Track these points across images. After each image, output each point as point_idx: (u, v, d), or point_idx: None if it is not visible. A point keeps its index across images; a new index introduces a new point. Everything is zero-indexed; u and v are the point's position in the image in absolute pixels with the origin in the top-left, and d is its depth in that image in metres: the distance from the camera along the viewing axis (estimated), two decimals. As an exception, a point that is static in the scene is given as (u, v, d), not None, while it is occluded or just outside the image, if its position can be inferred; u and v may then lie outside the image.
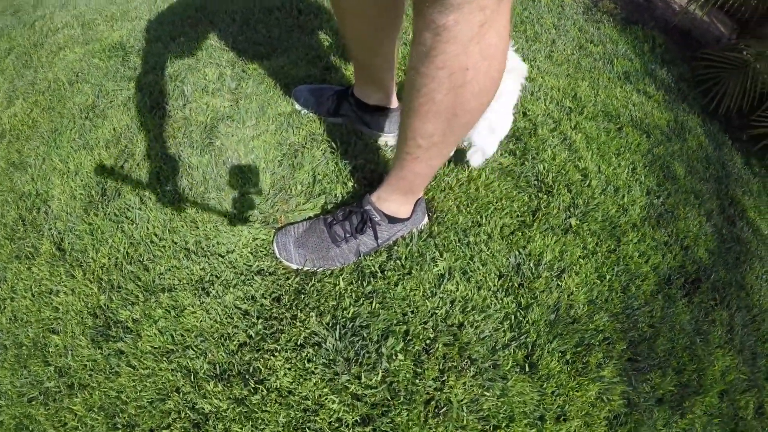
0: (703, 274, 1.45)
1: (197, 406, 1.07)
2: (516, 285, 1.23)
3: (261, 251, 1.27)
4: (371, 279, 1.19)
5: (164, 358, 1.14)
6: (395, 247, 1.25)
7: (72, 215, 1.41)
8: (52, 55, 2.04)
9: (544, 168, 1.47)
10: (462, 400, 1.06)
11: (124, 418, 1.08)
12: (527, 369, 1.12)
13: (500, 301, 1.19)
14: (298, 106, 1.57)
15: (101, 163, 1.52)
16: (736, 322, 1.41)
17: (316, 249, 1.21)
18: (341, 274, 1.21)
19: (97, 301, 1.24)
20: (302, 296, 1.18)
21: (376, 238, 1.20)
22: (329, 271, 1.22)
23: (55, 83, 1.86)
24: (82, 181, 1.48)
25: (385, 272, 1.20)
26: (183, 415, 1.06)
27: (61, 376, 1.16)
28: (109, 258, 1.30)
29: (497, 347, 1.13)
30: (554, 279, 1.26)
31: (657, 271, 1.39)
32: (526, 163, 1.48)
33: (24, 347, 1.22)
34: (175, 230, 1.32)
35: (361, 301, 1.16)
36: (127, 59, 1.89)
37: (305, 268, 1.22)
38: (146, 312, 1.20)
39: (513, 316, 1.18)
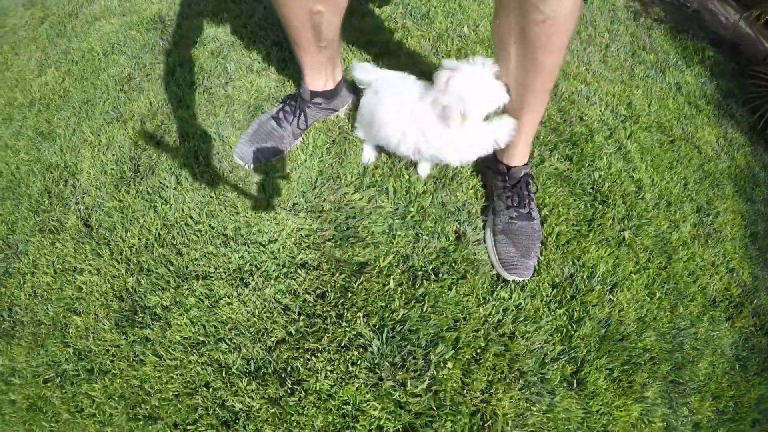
0: (746, 298, 1.21)
1: (227, 404, 0.88)
2: (568, 297, 1.02)
3: (305, 242, 1.06)
4: (423, 281, 0.99)
5: (194, 350, 0.94)
6: (450, 251, 1.05)
7: (101, 191, 1.19)
8: (87, 26, 1.76)
9: (599, 177, 1.23)
10: (508, 414, 0.87)
11: (146, 409, 0.90)
12: (575, 385, 0.93)
13: (552, 313, 0.99)
14: (248, 166, 1.18)
15: (135, 138, 1.28)
16: (775, 351, 1.21)
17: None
18: (391, 274, 1.01)
19: (124, 283, 1.04)
20: (349, 294, 0.98)
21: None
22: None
23: (89, 53, 1.61)
24: (114, 155, 1.26)
25: (439, 275, 1.00)
26: (211, 412, 0.88)
27: (80, 359, 0.97)
28: (140, 239, 1.09)
29: (547, 360, 0.94)
30: (606, 293, 1.04)
31: (704, 292, 1.16)
32: (583, 169, 1.23)
33: (42, 326, 1.03)
34: (213, 214, 1.10)
35: (411, 304, 0.97)
36: (165, 32, 1.62)
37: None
38: (177, 299, 1.00)
39: (564, 329, 0.98)
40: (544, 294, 1.00)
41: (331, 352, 0.92)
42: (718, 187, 1.39)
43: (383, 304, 0.97)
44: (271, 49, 1.50)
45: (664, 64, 1.72)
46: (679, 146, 1.42)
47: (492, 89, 0.91)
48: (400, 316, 0.95)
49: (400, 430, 0.85)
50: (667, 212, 1.25)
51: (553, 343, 0.96)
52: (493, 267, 1.05)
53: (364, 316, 0.95)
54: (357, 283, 0.99)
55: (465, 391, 0.89)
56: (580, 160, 1.25)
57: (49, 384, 0.96)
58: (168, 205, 1.13)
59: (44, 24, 1.85)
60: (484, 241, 1.08)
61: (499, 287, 1.00)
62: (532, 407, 0.89)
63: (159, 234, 1.09)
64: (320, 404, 0.87)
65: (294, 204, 1.12)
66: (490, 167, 1.12)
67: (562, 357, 0.95)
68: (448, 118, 0.90)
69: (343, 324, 0.95)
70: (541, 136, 1.28)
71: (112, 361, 0.95)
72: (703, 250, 1.23)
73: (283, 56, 1.47)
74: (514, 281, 1.01)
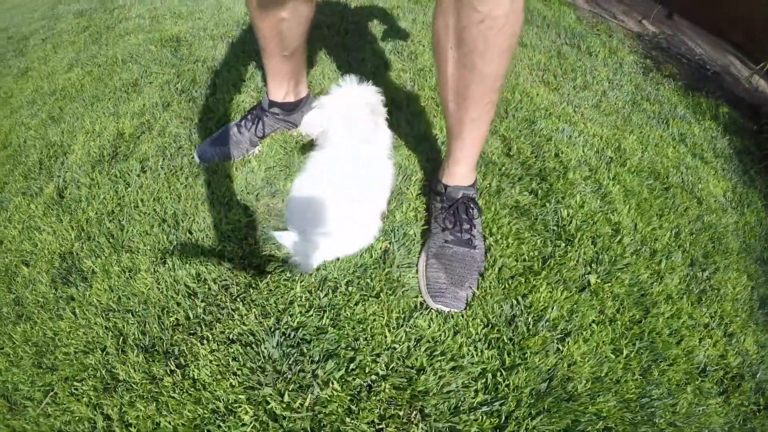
0: (748, 370, 0.94)
1: (114, 371, 0.84)
2: (505, 339, 0.83)
3: (230, 236, 1.03)
4: (330, 291, 0.86)
5: (103, 315, 0.93)
6: (370, 267, 0.92)
7: (81, 169, 1.30)
8: (118, 38, 2.02)
9: (567, 214, 1.06)
10: None
11: (50, 359, 0.90)
12: (493, 445, 0.73)
13: (479, 353, 0.80)
14: (203, 164, 1.21)
15: (122, 131, 1.41)
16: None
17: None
18: (300, 280, 0.90)
19: (71, 246, 1.08)
20: (251, 290, 0.89)
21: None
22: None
23: (111, 59, 1.83)
24: (101, 142, 1.37)
25: (349, 287, 0.87)
26: (98, 374, 0.85)
27: (16, 305, 1.01)
28: (97, 212, 1.15)
29: (461, 407, 0.74)
30: (555, 341, 0.84)
31: (690, 357, 0.91)
32: (548, 205, 1.07)
33: None
34: (160, 200, 1.13)
35: (311, 312, 0.84)
36: (177, 50, 1.81)
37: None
38: (105, 267, 1.01)
39: (491, 375, 0.78)
40: (472, 330, 0.82)
41: (218, 343, 0.82)
42: (719, 242, 1.16)
43: (283, 307, 0.85)
44: (257, 71, 1.60)
45: (669, 116, 1.55)
46: (674, 194, 1.22)
47: (357, 100, 0.92)
48: (296, 323, 0.82)
49: None
50: (649, 261, 1.03)
51: (475, 389, 0.76)
52: (419, 293, 0.89)
53: (260, 315, 0.85)
54: (263, 281, 0.90)
55: (349, 420, 0.71)
56: (545, 195, 1.09)
57: None
58: (128, 188, 1.20)
59: (85, 32, 2.15)
60: (417, 266, 0.94)
61: (418, 314, 0.84)
62: (431, 461, 0.69)
63: (112, 210, 1.15)
64: (194, 393, 0.77)
65: (230, 200, 1.10)
66: (431, 188, 1.00)
67: (482, 407, 0.74)
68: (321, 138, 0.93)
69: (236, 318, 0.85)
70: (504, 166, 1.15)
71: (38, 311, 0.98)
72: (694, 308, 0.99)
73: (265, 78, 1.54)
74: (438, 310, 0.85)
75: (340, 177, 0.89)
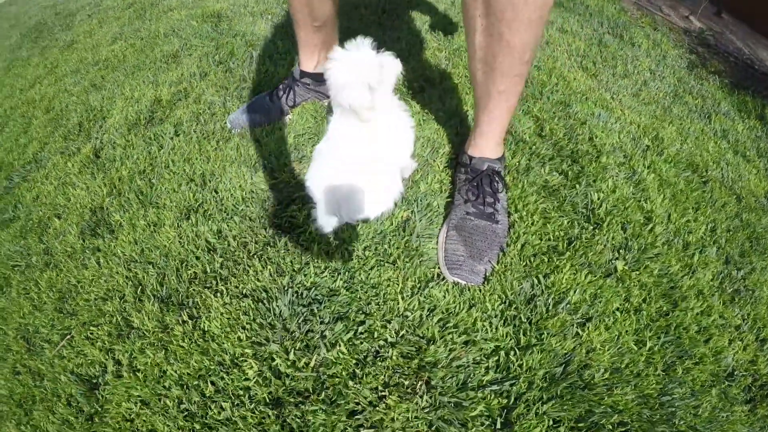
0: None
1: (129, 318, 0.84)
2: (522, 317, 0.77)
3: (253, 197, 1.00)
4: (346, 254, 0.82)
5: (125, 266, 0.93)
6: (389, 234, 0.88)
7: (118, 131, 1.31)
8: (162, 14, 2.03)
9: (598, 198, 0.97)
10: (395, 428, 0.65)
11: (71, 305, 0.91)
12: (499, 425, 0.66)
13: (494, 330, 0.74)
14: (234, 129, 1.20)
15: (159, 97, 1.42)
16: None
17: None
18: (319, 241, 0.87)
19: (102, 201, 1.09)
20: (269, 248, 0.86)
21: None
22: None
23: (153, 33, 1.84)
24: (138, 107, 1.39)
25: (366, 251, 0.83)
26: (114, 321, 0.85)
27: (45, 254, 1.03)
28: (129, 171, 1.15)
29: (470, 383, 0.69)
30: (574, 325, 0.77)
31: (717, 358, 0.83)
32: (578, 186, 0.99)
33: (31, 222, 1.12)
34: (190, 161, 1.13)
35: (325, 274, 0.80)
36: (218, 25, 1.81)
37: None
38: (132, 221, 1.01)
39: (504, 354, 0.72)
40: (488, 306, 0.76)
41: (231, 297, 0.81)
42: (758, 242, 1.05)
43: (299, 267, 0.82)
44: (293, 46, 1.54)
45: (712, 111, 1.42)
46: (712, 188, 1.12)
47: (372, 64, 0.76)
48: (309, 283, 0.79)
49: (267, 399, 0.67)
50: (681, 253, 0.95)
51: (486, 366, 0.71)
52: (437, 265, 0.84)
53: (275, 273, 0.82)
54: (281, 241, 0.88)
55: (352, 384, 0.67)
56: (576, 176, 1.01)
57: (15, 268, 1.04)
58: (161, 149, 1.21)
59: (130, 9, 2.16)
60: (437, 237, 0.89)
61: (434, 285, 0.78)
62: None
63: (143, 169, 1.16)
64: (202, 344, 0.76)
65: (256, 164, 1.08)
66: (458, 159, 0.95)
67: (492, 385, 0.69)
68: (346, 106, 0.78)
69: (251, 274, 0.83)
70: (535, 146, 1.07)
71: (65, 260, 1.01)
72: (725, 307, 0.91)
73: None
74: (455, 283, 0.80)
75: (358, 143, 0.84)
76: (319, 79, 1.17)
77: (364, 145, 0.82)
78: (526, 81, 1.31)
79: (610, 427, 0.70)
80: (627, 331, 0.81)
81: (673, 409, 0.75)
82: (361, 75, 0.76)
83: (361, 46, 0.78)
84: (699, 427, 0.74)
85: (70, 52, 1.98)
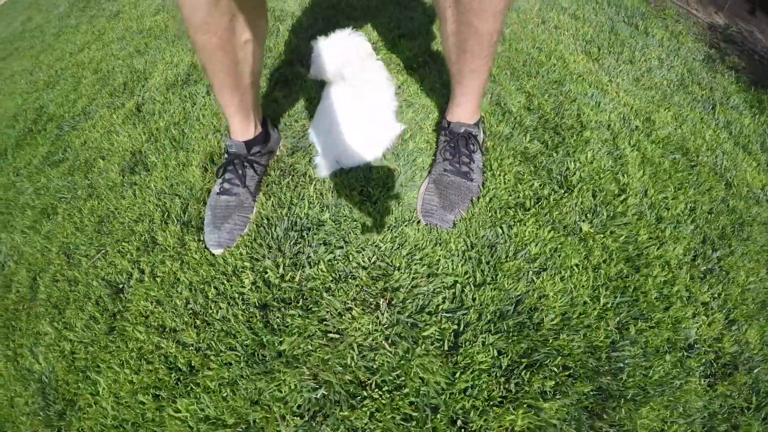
0: (745, 363, 0.82)
1: (155, 236, 0.97)
2: (482, 259, 0.82)
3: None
4: (336, 193, 0.93)
5: (156, 196, 1.07)
6: (375, 181, 0.97)
7: (158, 90, 1.46)
8: None
9: (574, 166, 1.00)
10: (356, 338, 0.73)
11: (108, 227, 1.04)
12: (447, 347, 0.73)
13: (454, 267, 0.81)
14: (219, 251, 0.91)
15: (195, 62, 1.55)
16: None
17: None
18: (315, 182, 0.98)
19: (141, 146, 1.23)
20: (274, 185, 1.00)
21: None
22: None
23: None
24: (177, 70, 1.53)
25: (352, 192, 0.93)
26: (142, 238, 0.98)
27: (89, 188, 1.17)
28: (165, 122, 1.29)
29: (426, 308, 0.76)
30: (530, 273, 0.82)
31: (676, 327, 0.83)
32: (555, 155, 1.02)
33: (78, 162, 1.27)
34: (218, 115, 1.25)
35: (317, 207, 0.91)
36: None
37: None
38: (165, 161, 1.14)
39: (461, 287, 0.79)
40: (452, 246, 0.83)
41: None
42: (741, 229, 1.03)
43: (296, 201, 0.94)
44: (315, 23, 1.66)
45: (718, 102, 1.38)
46: (699, 172, 1.10)
47: (348, 43, 0.99)
48: (303, 214, 0.90)
49: (257, 304, 0.78)
50: (653, 226, 0.96)
51: (443, 297, 0.78)
52: (415, 211, 0.92)
53: (276, 204, 0.95)
54: (284, 180, 1.00)
55: (327, 295, 0.77)
56: (556, 146, 1.03)
57: (61, 199, 1.18)
58: (194, 105, 1.34)
59: None
60: (419, 189, 0.96)
61: (407, 224, 0.86)
62: (386, 344, 0.73)
63: (177, 121, 1.29)
64: (210, 257, 0.90)
65: (275, 121, 1.19)
66: (440, 125, 1.02)
67: (445, 313, 0.76)
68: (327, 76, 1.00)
69: (257, 205, 0.96)
70: (521, 117, 1.10)
71: (105, 192, 1.15)
72: (693, 282, 0.91)
73: (327, 25, 1.61)
74: (427, 223, 0.87)
75: (351, 104, 0.98)
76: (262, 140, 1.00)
77: (354, 105, 0.95)
78: (524, 61, 1.35)
79: (554, 369, 0.74)
80: (583, 286, 0.84)
81: (622, 365, 0.76)
82: (347, 51, 0.98)
83: (340, 32, 1.01)
84: (648, 388, 0.75)
85: (116, 21, 2.15)
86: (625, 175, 1.02)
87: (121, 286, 0.93)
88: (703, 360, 0.82)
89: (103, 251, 1.00)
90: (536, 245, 0.86)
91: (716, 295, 0.92)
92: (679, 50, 1.58)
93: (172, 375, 0.77)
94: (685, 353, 0.82)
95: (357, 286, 0.78)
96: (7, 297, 1.01)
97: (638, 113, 1.21)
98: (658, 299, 0.87)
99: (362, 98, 0.99)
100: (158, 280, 0.90)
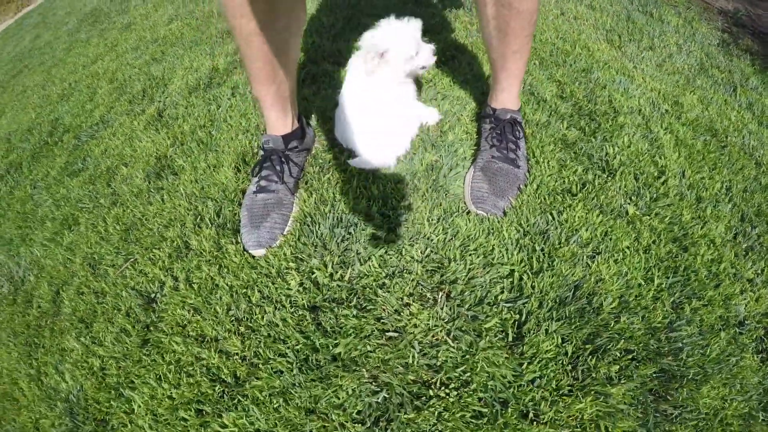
0: None
1: (188, 241, 0.93)
2: (536, 246, 0.81)
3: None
4: (381, 186, 0.90)
5: (187, 199, 1.02)
6: (419, 173, 0.94)
7: (179, 94, 1.42)
8: None
9: (613, 151, 0.99)
10: (416, 336, 0.70)
11: (135, 235, 1.00)
12: (511, 338, 0.71)
13: (510, 255, 0.79)
14: (260, 251, 0.86)
15: (216, 66, 1.53)
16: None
17: None
18: (358, 175, 0.94)
19: (166, 150, 1.20)
20: (314, 182, 0.96)
21: None
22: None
23: (208, 14, 1.96)
24: (198, 75, 1.50)
25: (398, 185, 0.90)
26: (174, 244, 0.93)
27: (112, 195, 1.14)
28: (190, 126, 1.26)
29: (486, 299, 0.74)
30: (585, 257, 0.80)
31: (727, 305, 0.82)
32: (593, 141, 1.01)
33: (99, 170, 1.24)
34: (246, 116, 1.22)
35: (362, 202, 0.88)
36: None
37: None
38: (194, 164, 1.11)
39: (519, 276, 0.77)
40: (506, 234, 0.81)
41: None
42: None
43: (339, 197, 0.90)
44: (335, 23, 1.63)
45: (738, 84, 1.38)
46: (730, 152, 1.09)
47: (410, 40, 0.90)
48: (348, 209, 0.87)
49: (306, 305, 0.75)
50: (694, 206, 0.95)
51: (501, 287, 0.75)
52: (463, 200, 0.89)
53: (319, 201, 0.91)
54: (325, 176, 0.97)
55: (381, 292, 0.74)
56: (593, 132, 1.03)
57: (82, 209, 1.14)
58: (218, 108, 1.31)
59: None
60: (464, 178, 0.94)
61: (457, 215, 0.84)
62: (448, 339, 0.70)
63: (203, 124, 1.26)
64: (251, 260, 0.86)
65: (308, 117, 1.16)
66: (482, 113, 1.00)
67: (506, 303, 0.74)
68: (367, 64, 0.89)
69: (299, 202, 0.92)
70: (556, 104, 1.09)
71: (130, 199, 1.11)
72: (738, 260, 0.90)
73: (349, 26, 1.59)
74: (477, 214, 0.85)
75: (377, 97, 0.94)
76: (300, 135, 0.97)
77: (381, 103, 0.92)
78: (550, 51, 1.34)
79: (617, 353, 0.72)
80: (636, 268, 0.82)
81: (681, 345, 0.75)
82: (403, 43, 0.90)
83: (410, 21, 0.92)
84: (707, 367, 0.74)
85: (129, 33, 2.12)
86: (663, 158, 1.01)
87: (153, 295, 0.88)
88: (754, 336, 0.82)
89: (132, 260, 0.95)
90: (587, 230, 0.84)
91: (759, 271, 0.91)
92: (695, 36, 1.58)
93: (216, 387, 0.71)
94: (737, 330, 0.81)
95: (412, 280, 0.75)
96: (29, 313, 0.96)
97: (666, 97, 1.21)
98: (708, 277, 0.86)
99: (389, 90, 0.93)
100: (195, 286, 0.85)
